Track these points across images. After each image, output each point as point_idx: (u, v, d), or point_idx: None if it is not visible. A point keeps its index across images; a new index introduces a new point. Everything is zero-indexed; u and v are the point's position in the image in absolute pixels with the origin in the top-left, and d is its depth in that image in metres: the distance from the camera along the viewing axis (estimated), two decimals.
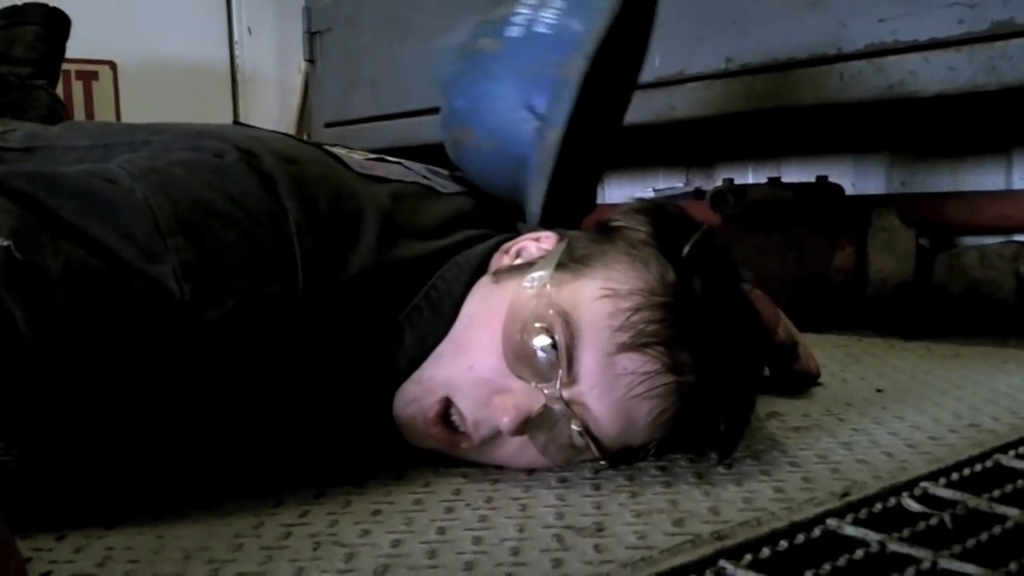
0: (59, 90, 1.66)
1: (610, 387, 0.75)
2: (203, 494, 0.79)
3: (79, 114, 2.77)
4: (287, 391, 0.78)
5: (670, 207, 0.83)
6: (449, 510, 0.76)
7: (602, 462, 0.80)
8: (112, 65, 2.88)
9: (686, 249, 0.77)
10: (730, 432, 0.82)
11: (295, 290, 0.75)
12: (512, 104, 0.95)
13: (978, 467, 0.83)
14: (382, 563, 0.65)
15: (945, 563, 0.63)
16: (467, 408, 0.80)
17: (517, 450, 0.81)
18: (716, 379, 0.76)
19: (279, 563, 0.65)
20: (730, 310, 0.78)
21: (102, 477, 0.80)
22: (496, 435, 0.80)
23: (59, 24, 1.60)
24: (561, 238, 0.85)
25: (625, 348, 0.74)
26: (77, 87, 2.80)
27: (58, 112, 1.51)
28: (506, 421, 0.77)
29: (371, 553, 0.67)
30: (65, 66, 1.67)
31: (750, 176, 2.27)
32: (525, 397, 0.77)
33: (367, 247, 0.80)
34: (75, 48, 1.70)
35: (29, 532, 0.70)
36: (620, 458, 0.81)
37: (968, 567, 0.61)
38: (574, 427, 0.77)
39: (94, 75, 2.84)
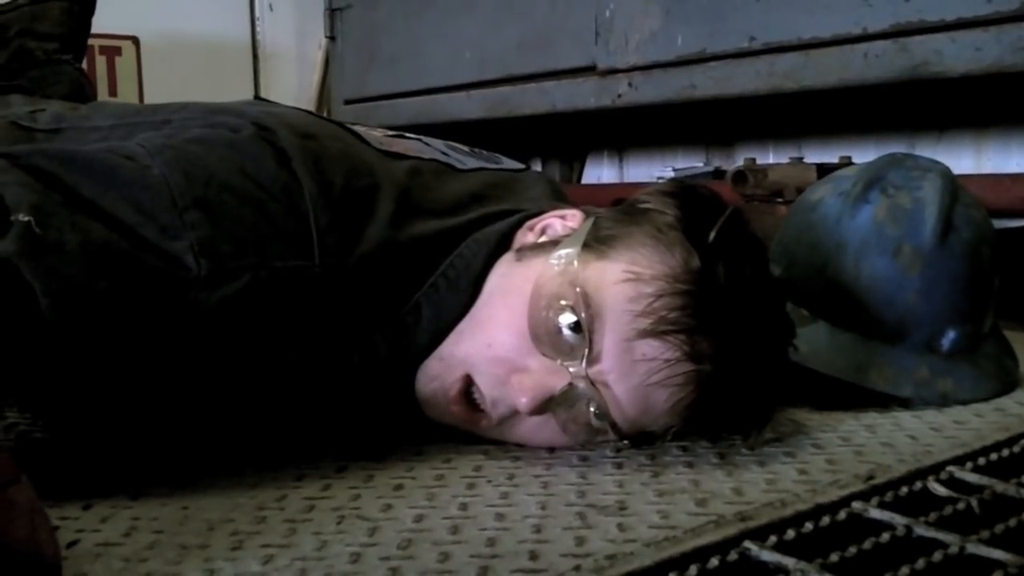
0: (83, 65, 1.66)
1: (628, 372, 0.75)
2: (227, 467, 0.79)
3: (102, 89, 2.78)
4: (305, 365, 0.79)
5: (701, 189, 0.82)
6: (471, 486, 0.76)
7: (624, 442, 0.79)
8: (135, 40, 2.89)
9: (712, 234, 0.76)
10: (752, 421, 0.81)
11: (311, 265, 0.75)
12: None
13: (1005, 452, 0.82)
14: (405, 538, 0.65)
15: (973, 548, 0.62)
16: (485, 386, 0.80)
17: (535, 428, 0.81)
18: (736, 368, 0.75)
19: (303, 536, 0.65)
20: (754, 298, 0.77)
21: (125, 447, 0.81)
22: (514, 413, 0.80)
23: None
24: (587, 216, 0.85)
25: (645, 334, 0.74)
26: (100, 62, 2.81)
27: (83, 87, 1.51)
28: (524, 401, 0.77)
29: (394, 528, 0.67)
30: (88, 41, 1.67)
31: (771, 156, 2.25)
32: (543, 376, 0.77)
33: (383, 223, 0.80)
34: (99, 23, 1.69)
35: (57, 501, 0.70)
36: (640, 440, 0.80)
37: (996, 552, 0.61)
38: (592, 409, 0.77)
39: (117, 50, 2.84)
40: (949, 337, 1.01)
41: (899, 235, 1.01)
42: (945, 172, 1.07)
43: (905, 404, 0.99)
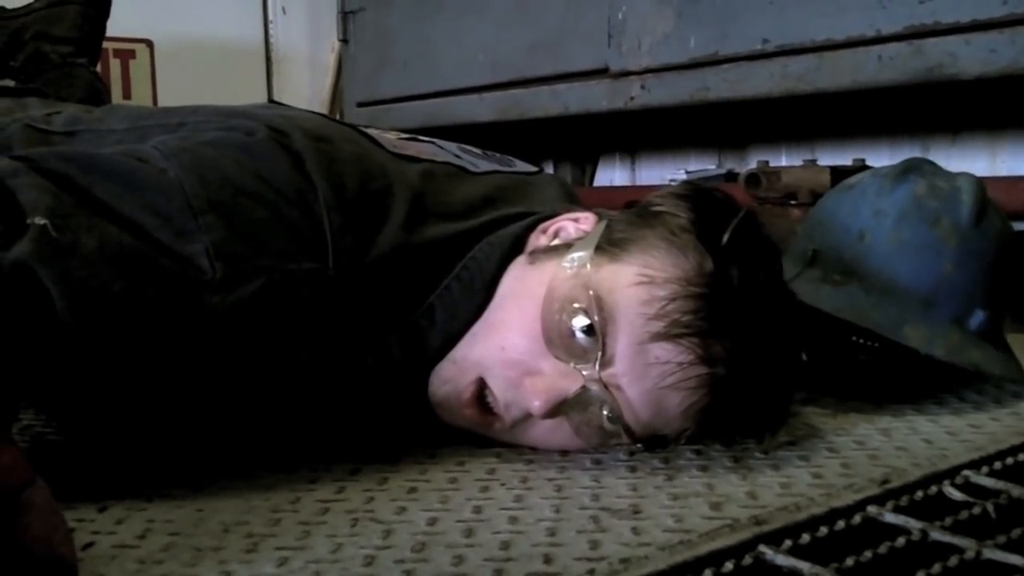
0: (97, 68, 1.67)
1: (641, 375, 0.75)
2: (241, 469, 0.79)
3: (116, 92, 2.80)
4: (319, 368, 0.79)
5: (715, 192, 0.82)
6: (484, 489, 0.76)
7: (638, 445, 0.79)
8: (149, 44, 2.91)
9: (725, 237, 0.76)
10: (766, 424, 0.81)
11: (325, 268, 0.75)
12: None
13: (1021, 456, 0.82)
14: (419, 540, 0.65)
15: (989, 553, 0.62)
16: (498, 389, 0.80)
17: (548, 432, 0.81)
18: (750, 372, 0.75)
19: (317, 538, 0.66)
20: (767, 301, 0.77)
21: (140, 448, 0.81)
22: (527, 417, 0.80)
23: (100, 3, 1.62)
24: (600, 219, 0.85)
25: (658, 337, 0.74)
26: (114, 65, 2.83)
27: (98, 90, 1.52)
28: (536, 405, 0.77)
29: (408, 530, 0.67)
30: (103, 44, 1.68)
31: (783, 159, 2.24)
32: (557, 380, 0.77)
33: (396, 226, 0.80)
34: (113, 27, 1.71)
35: (72, 503, 0.70)
36: (653, 443, 0.80)
37: (1013, 557, 0.61)
38: (605, 412, 0.77)
39: (131, 53, 2.86)
40: (978, 317, 1.01)
41: (938, 208, 1.02)
42: (975, 177, 1.09)
43: (919, 407, 0.99)
